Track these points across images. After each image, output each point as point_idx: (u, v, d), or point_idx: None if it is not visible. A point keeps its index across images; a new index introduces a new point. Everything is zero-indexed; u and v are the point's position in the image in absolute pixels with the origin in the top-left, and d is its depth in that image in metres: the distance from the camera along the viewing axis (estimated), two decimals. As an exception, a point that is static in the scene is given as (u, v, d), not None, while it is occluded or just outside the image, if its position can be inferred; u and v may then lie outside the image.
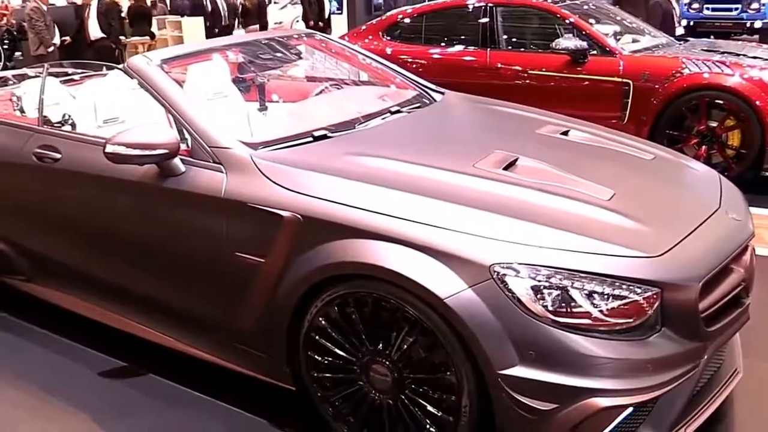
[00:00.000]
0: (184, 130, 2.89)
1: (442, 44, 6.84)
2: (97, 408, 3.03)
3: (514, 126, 3.40)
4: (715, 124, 5.53)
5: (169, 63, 3.22)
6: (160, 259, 2.99)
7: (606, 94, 5.87)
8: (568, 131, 3.19)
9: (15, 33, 13.73)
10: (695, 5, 14.57)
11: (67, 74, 4.45)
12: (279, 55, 3.83)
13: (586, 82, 5.96)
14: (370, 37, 7.26)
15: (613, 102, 5.84)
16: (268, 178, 2.65)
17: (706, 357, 2.31)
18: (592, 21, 6.36)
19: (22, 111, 4.01)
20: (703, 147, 5.58)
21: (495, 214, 2.33)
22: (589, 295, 2.15)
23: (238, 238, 2.67)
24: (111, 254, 3.21)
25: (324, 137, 2.97)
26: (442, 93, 3.76)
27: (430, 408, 2.37)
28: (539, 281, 2.15)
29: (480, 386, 2.23)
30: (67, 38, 11.61)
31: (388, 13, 7.81)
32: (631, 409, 2.16)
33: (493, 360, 2.16)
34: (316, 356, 2.58)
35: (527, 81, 6.23)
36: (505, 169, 2.66)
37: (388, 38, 7.15)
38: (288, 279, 2.54)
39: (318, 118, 3.22)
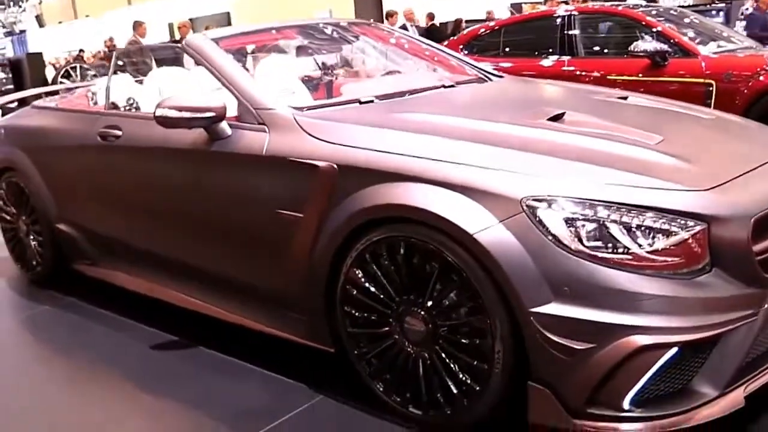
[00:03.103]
0: (234, 96, 2.93)
1: (520, 55, 6.77)
2: (143, 376, 3.06)
3: (570, 93, 3.30)
4: (805, 122, 5.19)
5: (224, 40, 3.30)
6: (209, 224, 3.02)
7: (688, 96, 5.61)
8: (627, 97, 3.06)
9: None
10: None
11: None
12: (338, 38, 3.87)
13: (668, 85, 5.73)
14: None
15: (696, 104, 5.58)
16: (307, 132, 2.64)
17: (767, 306, 2.10)
18: (672, 26, 6.16)
19: (95, 104, 4.20)
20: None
21: (528, 152, 2.24)
22: (629, 230, 2.01)
23: (278, 195, 2.67)
24: (165, 225, 3.27)
25: (371, 102, 2.95)
26: (502, 76, 3.69)
27: (463, 357, 2.26)
28: (573, 213, 2.03)
29: (513, 330, 2.11)
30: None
31: (469, 28, 7.85)
32: (675, 350, 1.98)
33: (524, 297, 2.04)
34: (352, 311, 2.51)
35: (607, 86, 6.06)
36: (551, 120, 2.56)
37: (466, 52, 7.14)
38: (325, 232, 2.51)
39: (371, 90, 3.21)
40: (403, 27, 11.93)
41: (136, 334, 3.45)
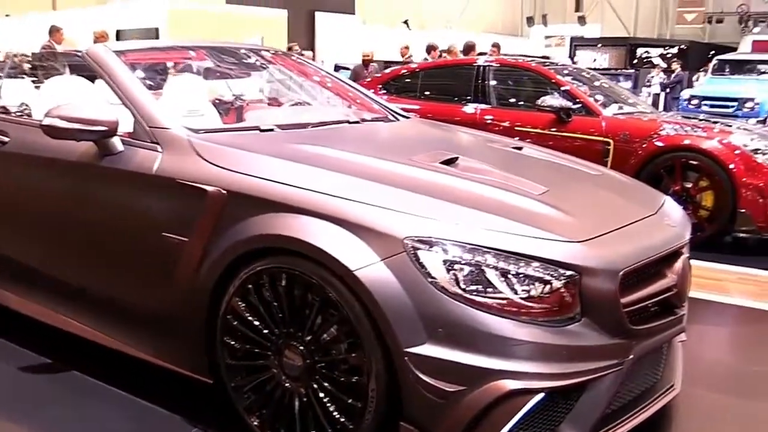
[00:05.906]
0: (129, 112, 2.85)
1: (434, 99, 6.91)
2: (3, 397, 2.89)
3: (468, 139, 3.37)
4: (689, 185, 5.50)
5: (129, 54, 3.22)
6: (93, 243, 2.90)
7: (588, 152, 5.83)
8: (522, 148, 3.15)
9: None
10: (694, 101, 14.95)
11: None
12: (253, 63, 3.84)
13: (571, 140, 5.95)
14: (372, 90, 7.36)
15: (594, 161, 5.80)
16: (199, 155, 2.59)
17: (632, 356, 2.18)
18: (580, 85, 6.43)
19: (-11, 106, 4.01)
20: (679, 207, 5.54)
21: (415, 193, 2.27)
22: (505, 276, 2.05)
23: (165, 217, 2.59)
24: (47, 240, 3.12)
25: (271, 131, 2.93)
26: (408, 117, 3.74)
27: (339, 394, 2.24)
28: (452, 257, 2.06)
29: (388, 369, 2.11)
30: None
31: (391, 68, 7.96)
32: (542, 395, 2.02)
33: (400, 337, 2.04)
34: (232, 342, 2.45)
35: (513, 137, 6.23)
36: (443, 164, 2.60)
37: (384, 91, 7.22)
38: (209, 258, 2.45)
39: (274, 119, 3.19)
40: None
41: (6, 354, 3.25)
